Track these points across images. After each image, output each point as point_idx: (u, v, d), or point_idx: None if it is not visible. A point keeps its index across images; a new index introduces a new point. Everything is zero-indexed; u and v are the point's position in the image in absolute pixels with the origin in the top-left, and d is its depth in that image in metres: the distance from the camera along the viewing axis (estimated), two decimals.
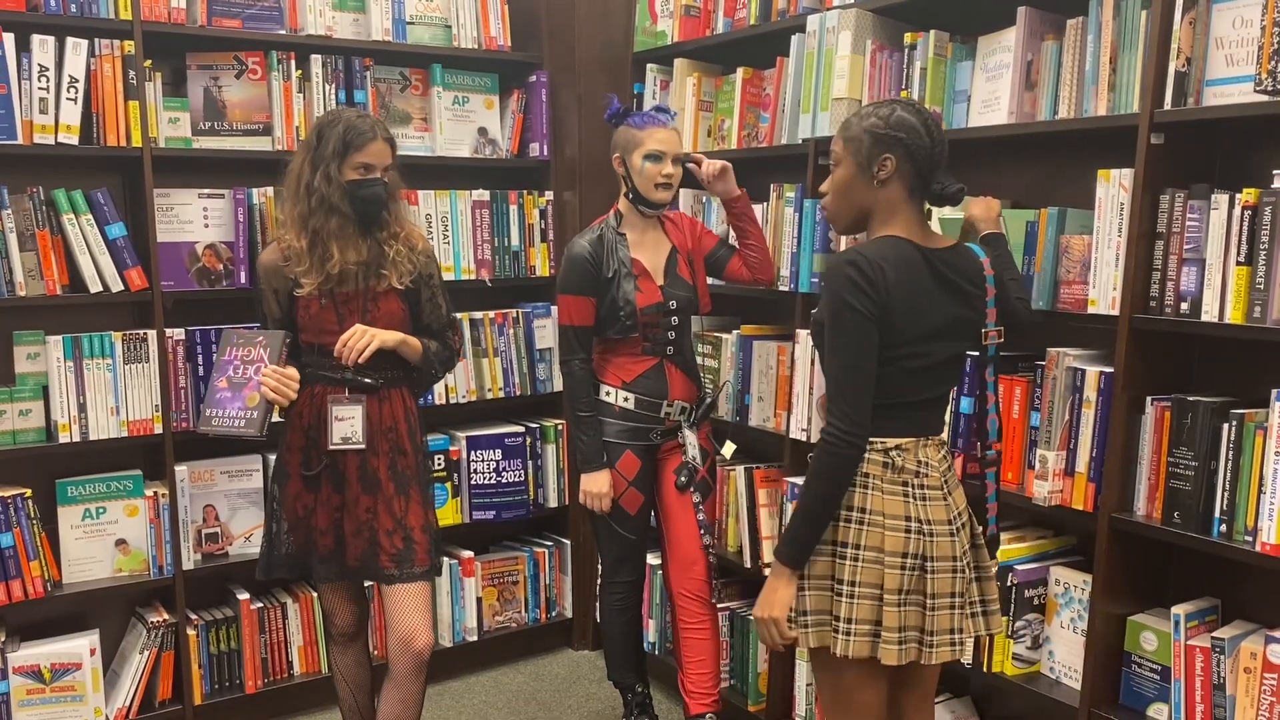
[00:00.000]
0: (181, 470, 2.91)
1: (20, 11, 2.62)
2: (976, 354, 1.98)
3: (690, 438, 2.68)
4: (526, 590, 3.54)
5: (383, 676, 2.48)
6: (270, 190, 2.96)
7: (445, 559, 3.29)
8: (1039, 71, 2.24)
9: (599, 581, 2.90)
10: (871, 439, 1.80)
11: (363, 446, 2.37)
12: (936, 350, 1.82)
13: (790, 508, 2.70)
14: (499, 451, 3.39)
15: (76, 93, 2.68)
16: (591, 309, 2.60)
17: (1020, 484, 2.25)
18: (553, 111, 3.48)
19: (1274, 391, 1.82)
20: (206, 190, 2.93)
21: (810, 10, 2.68)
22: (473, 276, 3.35)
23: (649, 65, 3.32)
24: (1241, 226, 1.84)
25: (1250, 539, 1.87)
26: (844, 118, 1.92)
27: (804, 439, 2.71)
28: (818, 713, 2.65)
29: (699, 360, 2.93)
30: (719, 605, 2.76)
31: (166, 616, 2.92)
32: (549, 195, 3.50)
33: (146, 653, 2.88)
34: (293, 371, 2.37)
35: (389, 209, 2.41)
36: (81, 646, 2.77)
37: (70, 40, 2.65)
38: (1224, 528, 1.92)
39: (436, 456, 3.24)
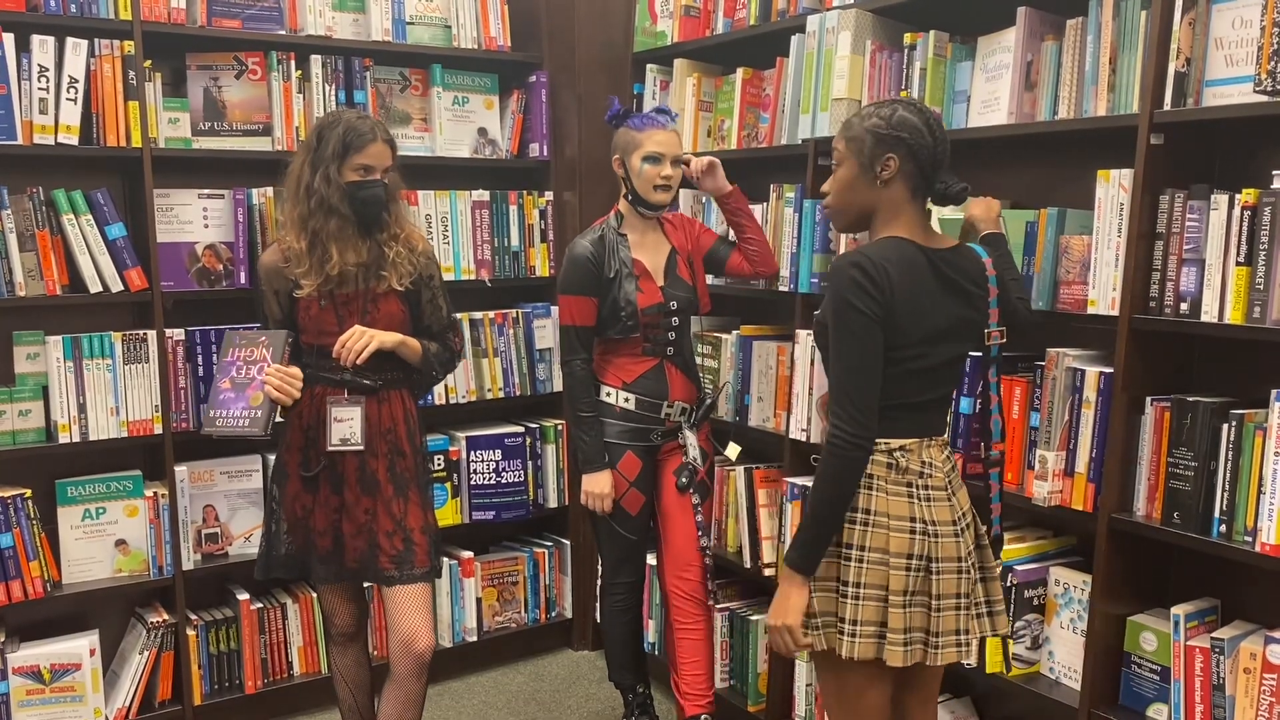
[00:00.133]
0: (181, 470, 2.91)
1: (20, 12, 2.62)
2: (979, 354, 1.98)
3: (690, 438, 2.68)
4: (526, 591, 3.54)
5: (382, 677, 2.48)
6: (270, 191, 2.97)
7: (445, 559, 3.29)
8: (1039, 72, 2.24)
9: (599, 583, 2.90)
10: (876, 440, 1.80)
11: (361, 448, 2.37)
12: (940, 351, 1.82)
13: (790, 508, 2.70)
14: (499, 452, 3.39)
15: (76, 93, 2.68)
16: (593, 309, 2.60)
17: (1020, 484, 2.25)
18: (552, 112, 3.47)
19: (1273, 392, 1.82)
20: (206, 190, 2.93)
21: (810, 10, 2.69)
22: (472, 277, 3.35)
23: (649, 65, 3.32)
24: (1241, 227, 1.84)
25: (1250, 539, 1.87)
26: (844, 118, 1.92)
27: (804, 439, 2.71)
28: (818, 713, 2.65)
29: (699, 360, 2.92)
30: (717, 606, 2.76)
31: (166, 617, 2.92)
32: (549, 195, 3.50)
33: (146, 653, 2.88)
34: (296, 370, 2.37)
35: (389, 210, 2.41)
36: (81, 647, 2.77)
37: (70, 40, 2.65)
38: (1223, 528, 1.92)
39: (436, 457, 3.24)
